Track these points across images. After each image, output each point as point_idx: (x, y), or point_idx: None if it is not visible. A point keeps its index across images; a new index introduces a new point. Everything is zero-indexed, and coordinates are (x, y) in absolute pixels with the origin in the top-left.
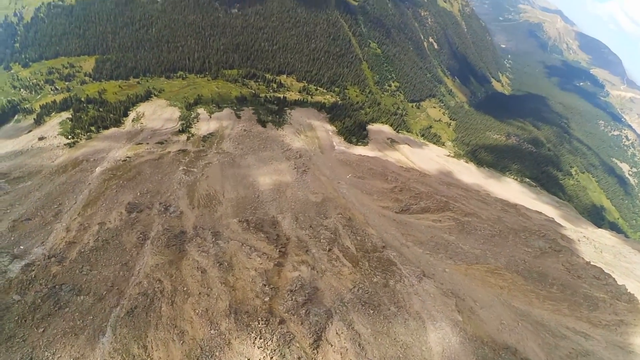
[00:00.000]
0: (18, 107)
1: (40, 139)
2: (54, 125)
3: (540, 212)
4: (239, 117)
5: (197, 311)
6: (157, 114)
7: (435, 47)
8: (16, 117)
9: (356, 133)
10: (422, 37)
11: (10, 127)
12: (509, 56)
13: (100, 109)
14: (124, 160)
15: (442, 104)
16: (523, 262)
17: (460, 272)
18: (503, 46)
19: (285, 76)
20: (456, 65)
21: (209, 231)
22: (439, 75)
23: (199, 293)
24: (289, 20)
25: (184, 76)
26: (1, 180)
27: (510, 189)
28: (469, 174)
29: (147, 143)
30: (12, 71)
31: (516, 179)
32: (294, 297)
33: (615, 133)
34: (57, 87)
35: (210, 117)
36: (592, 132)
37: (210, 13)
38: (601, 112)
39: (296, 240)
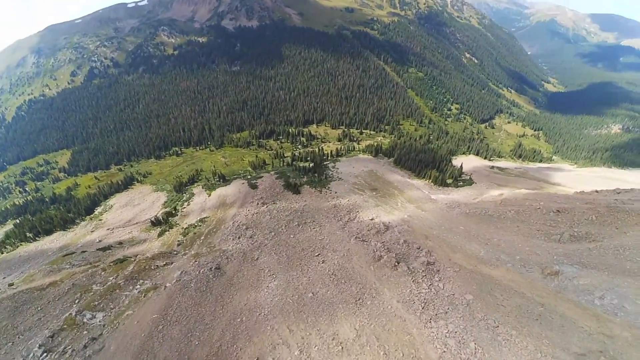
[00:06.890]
0: None
1: None
2: None
3: None
4: (254, 187)
5: None
6: (133, 204)
7: (475, 61)
8: None
9: (445, 172)
10: (458, 54)
11: None
12: (540, 60)
13: (62, 208)
14: None
15: (514, 117)
16: None
17: None
18: (529, 53)
19: (315, 126)
20: (504, 76)
21: None
22: (493, 89)
23: None
24: (303, 62)
25: (179, 152)
26: None
27: None
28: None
29: (82, 252)
30: None
31: None
32: None
33: None
34: (27, 189)
35: (210, 196)
36: None
37: (207, 75)
38: None
39: None
